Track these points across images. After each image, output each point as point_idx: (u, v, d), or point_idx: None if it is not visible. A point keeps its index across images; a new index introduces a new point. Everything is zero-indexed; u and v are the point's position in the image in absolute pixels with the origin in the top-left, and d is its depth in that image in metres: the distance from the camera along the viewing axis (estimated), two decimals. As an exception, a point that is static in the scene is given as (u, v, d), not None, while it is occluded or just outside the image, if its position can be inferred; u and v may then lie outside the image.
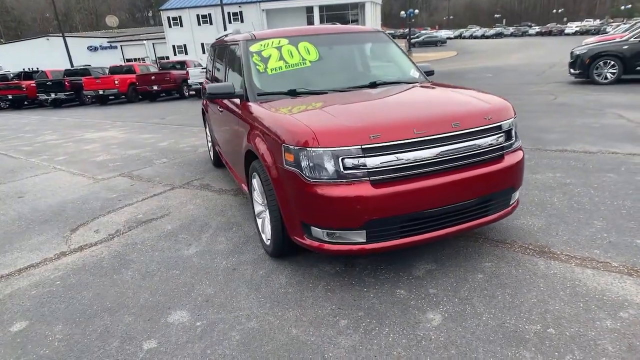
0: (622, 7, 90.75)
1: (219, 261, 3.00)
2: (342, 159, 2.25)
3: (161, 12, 45.41)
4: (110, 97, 18.84)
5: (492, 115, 2.55)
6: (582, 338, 1.95)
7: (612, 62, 10.08)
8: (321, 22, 42.23)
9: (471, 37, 66.95)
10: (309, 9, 43.25)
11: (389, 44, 3.87)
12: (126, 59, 48.28)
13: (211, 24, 44.11)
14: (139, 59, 47.87)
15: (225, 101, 3.87)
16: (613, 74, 10.14)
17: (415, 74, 3.63)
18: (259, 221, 3.17)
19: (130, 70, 19.26)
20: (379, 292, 2.46)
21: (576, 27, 59.36)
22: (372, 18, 39.90)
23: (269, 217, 2.75)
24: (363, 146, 2.25)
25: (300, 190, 2.35)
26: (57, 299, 2.67)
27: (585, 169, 4.25)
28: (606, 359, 1.82)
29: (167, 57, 43.83)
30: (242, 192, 4.42)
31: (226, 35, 5.14)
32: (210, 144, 5.64)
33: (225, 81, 4.16)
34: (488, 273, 2.55)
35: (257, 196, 3.12)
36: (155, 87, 17.93)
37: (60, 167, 6.38)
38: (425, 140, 2.33)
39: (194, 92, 18.40)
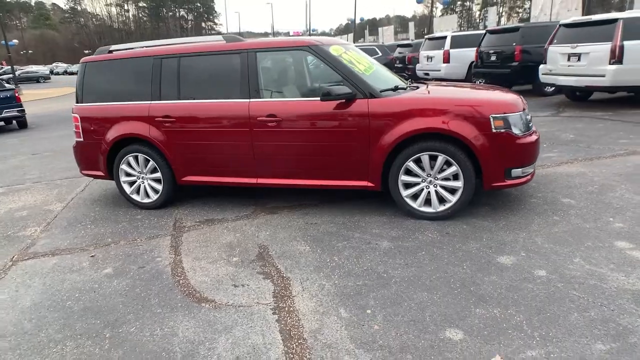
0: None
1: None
2: (526, 117, 3.45)
3: None
4: None
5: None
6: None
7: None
8: None
9: (65, 72, 60.98)
10: None
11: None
12: None
13: None
14: None
15: (298, 110, 3.69)
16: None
17: None
18: (410, 201, 3.58)
19: None
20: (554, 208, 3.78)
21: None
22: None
23: (462, 181, 3.40)
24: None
25: (511, 144, 3.33)
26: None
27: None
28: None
29: None
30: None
31: (145, 47, 4.28)
32: (142, 184, 4.33)
33: (261, 89, 3.79)
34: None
35: (405, 179, 3.53)
36: None
37: None
38: None
39: None
